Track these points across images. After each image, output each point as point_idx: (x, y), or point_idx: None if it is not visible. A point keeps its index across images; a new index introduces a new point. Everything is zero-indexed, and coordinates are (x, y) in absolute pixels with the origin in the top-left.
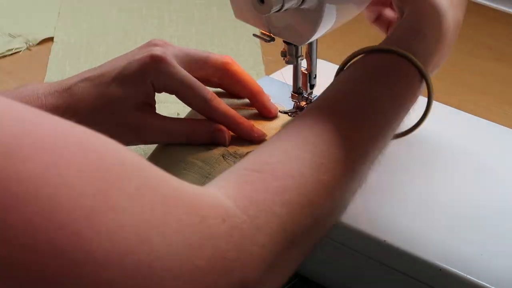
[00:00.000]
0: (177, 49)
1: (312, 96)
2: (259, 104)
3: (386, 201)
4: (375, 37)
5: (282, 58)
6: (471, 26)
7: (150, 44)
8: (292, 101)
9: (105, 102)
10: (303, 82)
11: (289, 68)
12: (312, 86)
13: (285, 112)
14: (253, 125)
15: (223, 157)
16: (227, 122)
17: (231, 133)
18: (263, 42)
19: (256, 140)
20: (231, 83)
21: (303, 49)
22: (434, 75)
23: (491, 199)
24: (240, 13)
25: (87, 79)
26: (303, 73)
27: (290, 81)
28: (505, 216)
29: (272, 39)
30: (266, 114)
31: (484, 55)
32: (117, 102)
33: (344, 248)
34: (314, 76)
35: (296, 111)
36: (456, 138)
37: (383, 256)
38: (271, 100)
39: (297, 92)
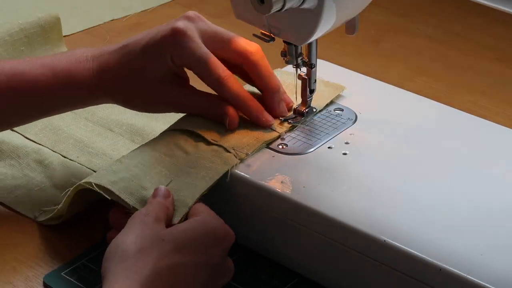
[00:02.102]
0: (206, 25)
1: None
2: (270, 101)
3: (386, 201)
4: (375, 37)
5: (282, 58)
6: (471, 26)
7: (182, 17)
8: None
9: (130, 72)
10: (303, 86)
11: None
12: (312, 91)
13: (285, 120)
14: (263, 109)
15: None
16: (237, 103)
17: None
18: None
19: (263, 124)
20: (248, 72)
21: (303, 50)
22: (434, 75)
23: (491, 199)
24: (240, 13)
25: (123, 47)
26: (303, 78)
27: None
28: (505, 216)
29: (272, 39)
30: (272, 113)
31: (484, 55)
32: (143, 73)
33: (344, 248)
34: (314, 80)
35: (296, 117)
36: (456, 138)
37: (383, 256)
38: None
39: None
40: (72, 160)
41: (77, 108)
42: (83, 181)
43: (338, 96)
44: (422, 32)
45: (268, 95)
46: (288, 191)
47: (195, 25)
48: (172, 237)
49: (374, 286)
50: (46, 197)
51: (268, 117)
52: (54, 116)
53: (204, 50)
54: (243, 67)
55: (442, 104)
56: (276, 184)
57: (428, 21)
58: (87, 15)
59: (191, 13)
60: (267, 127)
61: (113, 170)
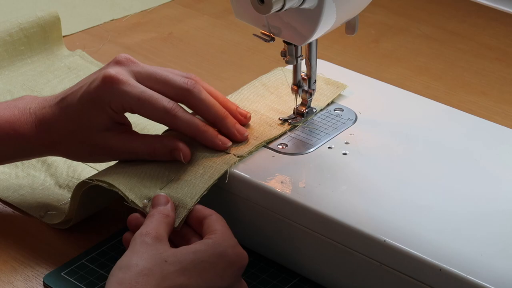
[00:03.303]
0: (139, 67)
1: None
2: (223, 129)
3: (386, 201)
4: (375, 37)
5: (282, 58)
6: (471, 26)
7: (112, 62)
8: (292, 93)
9: (70, 125)
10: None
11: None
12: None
13: (285, 120)
14: (217, 133)
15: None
16: (191, 131)
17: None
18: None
19: (220, 148)
20: (191, 109)
21: (303, 50)
22: (434, 75)
23: (491, 199)
24: (240, 13)
25: (61, 100)
26: (302, 78)
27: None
28: (505, 216)
29: (272, 39)
30: (232, 138)
31: (484, 55)
32: (83, 125)
33: (344, 248)
34: (314, 81)
35: (296, 117)
36: (456, 138)
37: (383, 256)
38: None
39: (297, 85)
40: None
41: (23, 160)
42: (85, 178)
43: (338, 96)
44: (422, 32)
45: (220, 124)
46: (288, 191)
47: (127, 68)
48: (176, 258)
49: (374, 286)
50: (50, 195)
51: (224, 140)
52: None
53: (141, 88)
54: (185, 104)
55: (442, 104)
56: (276, 184)
57: (428, 21)
58: (87, 15)
59: (122, 56)
60: (223, 150)
61: (114, 169)
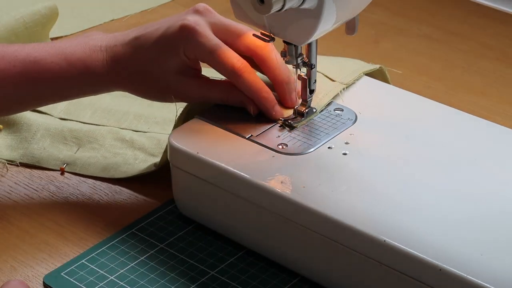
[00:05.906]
0: (216, 18)
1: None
2: (281, 92)
3: (386, 201)
4: (375, 37)
5: (282, 58)
6: (471, 26)
7: (191, 10)
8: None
9: (142, 64)
10: (302, 86)
11: None
12: (311, 91)
13: (286, 120)
14: (275, 103)
15: None
16: (251, 94)
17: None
18: None
19: (272, 117)
20: (259, 65)
21: (303, 50)
22: (434, 75)
23: (491, 199)
24: (240, 13)
25: (134, 39)
26: (302, 78)
27: None
28: (505, 216)
29: (272, 39)
30: (284, 104)
31: (484, 55)
32: (156, 66)
33: (344, 248)
34: (314, 81)
35: (296, 117)
36: (456, 138)
37: (383, 256)
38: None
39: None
40: (147, 132)
41: (91, 95)
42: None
43: (339, 96)
44: (422, 32)
45: (278, 87)
46: (288, 191)
47: (205, 18)
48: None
49: (374, 286)
50: (149, 162)
51: (278, 111)
52: (97, 100)
53: (215, 41)
54: (254, 60)
55: (442, 104)
56: (276, 184)
57: (428, 21)
58: (87, 15)
59: (201, 6)
60: (275, 120)
61: None
